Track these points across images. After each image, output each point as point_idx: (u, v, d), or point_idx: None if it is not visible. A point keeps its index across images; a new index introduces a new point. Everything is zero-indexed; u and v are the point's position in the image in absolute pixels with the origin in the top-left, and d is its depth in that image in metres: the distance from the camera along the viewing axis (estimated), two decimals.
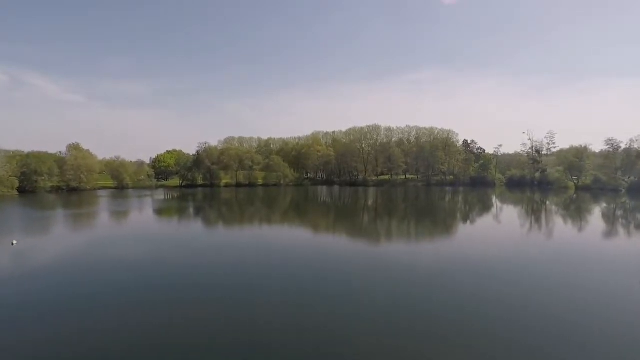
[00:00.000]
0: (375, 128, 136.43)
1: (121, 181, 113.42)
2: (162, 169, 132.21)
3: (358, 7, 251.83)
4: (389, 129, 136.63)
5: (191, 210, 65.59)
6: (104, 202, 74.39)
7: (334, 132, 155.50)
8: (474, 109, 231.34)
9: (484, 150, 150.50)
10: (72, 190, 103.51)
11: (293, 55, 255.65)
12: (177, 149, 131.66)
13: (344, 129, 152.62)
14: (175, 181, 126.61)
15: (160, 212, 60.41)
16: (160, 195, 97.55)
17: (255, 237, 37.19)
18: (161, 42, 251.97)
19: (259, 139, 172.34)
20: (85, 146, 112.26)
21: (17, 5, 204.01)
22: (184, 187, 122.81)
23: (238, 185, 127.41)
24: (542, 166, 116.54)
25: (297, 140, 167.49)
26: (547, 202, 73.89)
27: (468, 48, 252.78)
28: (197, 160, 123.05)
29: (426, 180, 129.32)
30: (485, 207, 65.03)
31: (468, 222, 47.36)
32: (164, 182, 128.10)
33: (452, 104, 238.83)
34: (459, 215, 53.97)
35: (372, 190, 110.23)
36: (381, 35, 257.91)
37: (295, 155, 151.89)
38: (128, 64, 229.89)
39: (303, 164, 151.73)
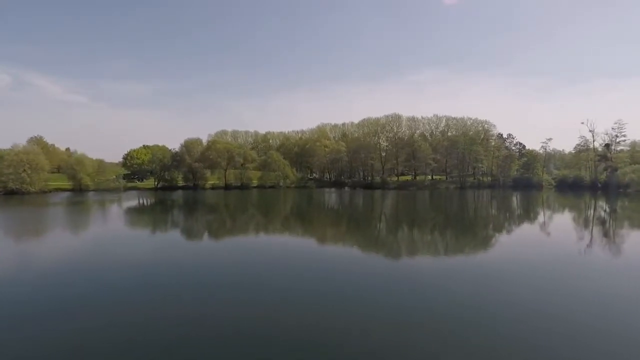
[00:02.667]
0: (396, 118, 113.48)
1: (78, 181, 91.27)
2: (135, 167, 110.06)
3: (358, 7, 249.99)
4: (412, 120, 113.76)
5: (147, 224, 42.88)
6: (17, 213, 52.24)
7: (343, 125, 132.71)
8: (477, 110, 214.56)
9: (524, 146, 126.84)
10: (10, 194, 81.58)
11: (294, 56, 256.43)
12: (160, 145, 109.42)
13: (355, 121, 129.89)
14: (150, 182, 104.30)
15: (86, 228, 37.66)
16: (126, 199, 76.04)
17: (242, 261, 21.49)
18: (162, 43, 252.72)
19: (256, 133, 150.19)
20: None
21: (18, 5, 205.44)
22: (161, 189, 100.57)
23: (227, 187, 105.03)
24: (612, 164, 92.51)
25: (300, 135, 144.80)
26: None
27: (470, 49, 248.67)
28: (176, 157, 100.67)
29: (459, 182, 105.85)
30: (580, 224, 41.57)
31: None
32: (136, 183, 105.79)
33: (454, 104, 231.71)
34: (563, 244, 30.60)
35: (394, 195, 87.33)
36: (382, 36, 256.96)
37: (298, 151, 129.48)
38: (129, 65, 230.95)
39: (307, 162, 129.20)
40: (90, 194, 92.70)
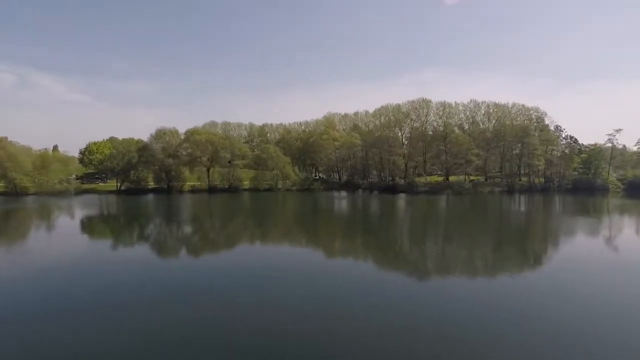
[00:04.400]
0: (423, 105, 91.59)
1: (12, 182, 69.84)
2: (95, 165, 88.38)
3: (359, 6, 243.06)
4: (443, 106, 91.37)
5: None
6: None
7: (355, 114, 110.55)
8: None
9: (575, 140, 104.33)
10: None
11: (296, 56, 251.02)
12: (129, 138, 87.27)
13: (371, 109, 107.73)
14: (112, 184, 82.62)
15: None
16: (63, 209, 55.42)
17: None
18: (165, 42, 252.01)
19: (251, 126, 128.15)
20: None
21: (22, 5, 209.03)
22: (124, 192, 79.05)
23: (211, 189, 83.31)
24: None
25: (303, 127, 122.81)
26: None
27: (473, 48, 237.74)
28: (145, 151, 79.08)
29: (506, 184, 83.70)
30: None
31: None
32: (95, 185, 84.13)
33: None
34: None
35: (429, 203, 65.78)
36: (383, 36, 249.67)
37: (301, 146, 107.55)
38: (132, 64, 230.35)
39: (312, 159, 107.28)
40: (30, 199, 71.62)
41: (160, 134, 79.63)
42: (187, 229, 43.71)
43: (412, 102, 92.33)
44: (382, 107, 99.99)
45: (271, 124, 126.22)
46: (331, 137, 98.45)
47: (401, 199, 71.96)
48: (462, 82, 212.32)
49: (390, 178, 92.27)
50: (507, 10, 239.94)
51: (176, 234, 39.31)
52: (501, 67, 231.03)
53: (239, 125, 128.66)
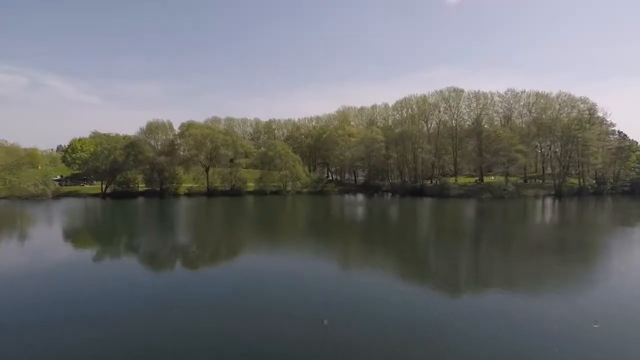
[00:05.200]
0: (454, 95, 79.66)
1: None
2: (78, 165, 77.95)
3: (366, 6, 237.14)
4: (477, 96, 79.33)
5: None
6: None
7: (373, 108, 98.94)
8: None
9: (625, 136, 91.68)
10: None
11: (303, 56, 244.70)
12: (113, 134, 76.46)
13: (390, 102, 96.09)
14: (98, 186, 72.08)
15: None
16: (31, 216, 45.16)
17: None
18: (171, 43, 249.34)
19: (257, 122, 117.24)
20: None
21: (30, 8, 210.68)
22: (110, 196, 68.63)
23: (210, 192, 72.53)
24: None
25: (313, 123, 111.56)
26: None
27: (479, 47, 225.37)
28: (133, 148, 68.48)
29: (554, 187, 71.72)
30: None
31: None
32: (79, 188, 73.68)
33: None
34: None
35: (480, 211, 54.39)
36: (390, 35, 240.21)
37: (311, 144, 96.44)
38: (139, 65, 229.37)
39: (324, 158, 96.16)
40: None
41: (151, 128, 69.00)
42: (176, 242, 33.38)
43: (441, 92, 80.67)
44: (404, 99, 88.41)
45: (279, 120, 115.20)
46: (347, 132, 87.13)
47: (434, 205, 60.38)
48: (476, 81, 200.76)
49: (414, 179, 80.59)
50: (517, 8, 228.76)
51: (162, 251, 28.82)
52: (514, 66, 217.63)
53: (244, 121, 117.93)
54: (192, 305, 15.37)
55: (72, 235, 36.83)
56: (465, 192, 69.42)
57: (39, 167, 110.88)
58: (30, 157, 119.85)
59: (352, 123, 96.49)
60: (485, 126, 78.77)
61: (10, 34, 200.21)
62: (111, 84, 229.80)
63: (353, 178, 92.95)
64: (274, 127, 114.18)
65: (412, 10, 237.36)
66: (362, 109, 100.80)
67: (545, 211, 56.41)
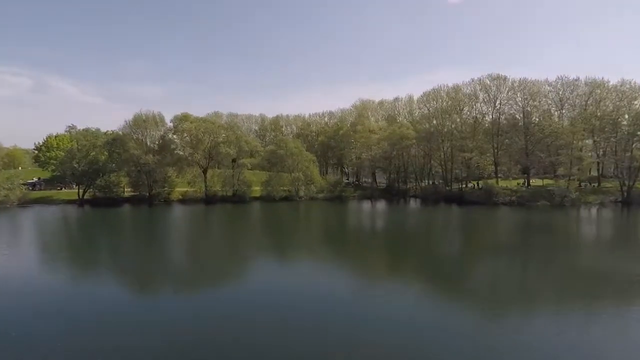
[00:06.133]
0: (496, 81, 67.66)
1: None
2: (53, 165, 66.41)
3: (369, 6, 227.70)
4: (523, 84, 67.25)
5: None
6: None
7: (397, 100, 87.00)
8: None
9: None
10: None
11: (307, 57, 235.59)
12: (94, 128, 64.35)
13: (415, 94, 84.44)
14: (76, 192, 60.64)
15: None
16: None
17: None
18: (174, 45, 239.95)
19: (262, 118, 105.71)
20: None
21: (35, 11, 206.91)
22: (90, 202, 57.35)
23: (209, 198, 61.03)
24: None
25: (326, 119, 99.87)
26: None
27: (481, 48, 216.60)
28: (115, 146, 56.99)
29: (621, 193, 59.74)
30: None
31: None
32: (50, 193, 62.12)
33: None
34: None
35: (536, 224, 42.58)
36: (392, 37, 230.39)
37: (324, 141, 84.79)
38: (143, 67, 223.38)
39: (339, 158, 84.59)
40: None
41: (138, 122, 57.40)
42: (168, 264, 25.27)
43: (479, 79, 68.78)
44: (433, 89, 76.38)
45: (287, 116, 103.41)
46: (366, 128, 75.38)
47: (483, 216, 48.54)
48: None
49: (449, 183, 68.65)
50: (522, 8, 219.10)
51: (149, 275, 20.56)
52: (519, 65, 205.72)
53: (249, 117, 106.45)
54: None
55: (26, 259, 26.18)
56: (517, 198, 57.45)
57: (19, 168, 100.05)
58: (9, 157, 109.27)
59: (370, 119, 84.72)
60: (535, 120, 66.92)
61: (14, 36, 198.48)
62: (114, 86, 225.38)
63: (370, 181, 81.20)
64: (281, 123, 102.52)
65: (418, 11, 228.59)
66: (381, 102, 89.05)
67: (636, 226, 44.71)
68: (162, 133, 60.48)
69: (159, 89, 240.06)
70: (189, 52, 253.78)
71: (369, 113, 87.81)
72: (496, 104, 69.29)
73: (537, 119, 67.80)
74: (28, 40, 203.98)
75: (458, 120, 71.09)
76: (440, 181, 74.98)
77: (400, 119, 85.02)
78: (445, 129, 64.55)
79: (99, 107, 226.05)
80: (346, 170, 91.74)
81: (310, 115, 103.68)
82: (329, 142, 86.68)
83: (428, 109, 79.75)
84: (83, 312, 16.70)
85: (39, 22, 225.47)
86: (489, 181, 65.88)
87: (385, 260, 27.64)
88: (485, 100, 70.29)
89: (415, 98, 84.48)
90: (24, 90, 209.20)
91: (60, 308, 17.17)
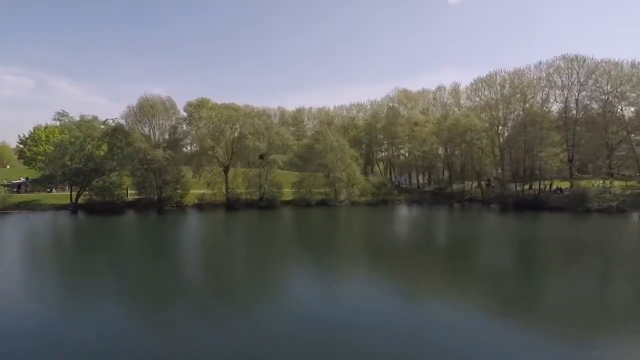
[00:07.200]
0: (575, 62, 56.34)
1: None
2: (42, 160, 55.03)
3: (369, 7, 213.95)
4: (607, 65, 55.88)
5: None
6: None
7: (440, 89, 75.55)
8: None
9: None
10: None
11: (307, 59, 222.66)
12: (89, 116, 52.65)
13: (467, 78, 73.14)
14: (67, 195, 49.33)
15: None
16: None
17: None
18: (178, 45, 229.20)
19: (282, 111, 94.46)
20: None
21: (35, 10, 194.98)
22: (84, 208, 46.28)
23: (230, 203, 49.73)
24: None
25: (354, 112, 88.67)
26: None
27: (483, 48, 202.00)
28: (117, 137, 45.80)
29: None
30: None
31: None
32: (37, 196, 50.76)
33: None
34: None
35: None
36: (394, 37, 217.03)
37: (357, 136, 73.70)
38: (145, 67, 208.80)
39: (366, 155, 73.61)
40: None
41: (144, 108, 46.03)
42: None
43: (553, 62, 57.47)
44: (487, 75, 65.26)
45: (310, 108, 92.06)
46: (411, 120, 64.13)
47: (603, 230, 37.13)
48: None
49: (527, 184, 57.34)
50: (519, 7, 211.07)
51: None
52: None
53: (264, 111, 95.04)
54: None
55: None
56: (618, 204, 45.95)
57: (7, 166, 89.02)
58: None
59: (412, 110, 73.41)
60: (619, 109, 55.62)
61: (14, 37, 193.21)
62: (117, 86, 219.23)
63: (417, 181, 69.98)
64: (302, 115, 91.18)
65: (419, 10, 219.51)
66: (423, 91, 77.50)
67: None
68: (173, 123, 49.25)
69: (162, 89, 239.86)
70: (190, 52, 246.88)
71: (410, 103, 76.43)
72: (573, 91, 58.10)
73: (622, 108, 56.55)
74: (26, 40, 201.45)
75: (524, 109, 59.68)
76: (494, 181, 63.89)
77: (445, 110, 73.80)
78: (536, 117, 53.04)
79: (103, 107, 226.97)
80: (379, 169, 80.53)
81: (335, 107, 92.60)
82: (361, 138, 75.67)
83: (480, 98, 68.73)
84: None
85: (38, 22, 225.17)
86: (581, 182, 54.30)
87: (474, 290, 17.23)
88: (559, 85, 59.10)
89: (462, 86, 73.38)
90: (25, 90, 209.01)
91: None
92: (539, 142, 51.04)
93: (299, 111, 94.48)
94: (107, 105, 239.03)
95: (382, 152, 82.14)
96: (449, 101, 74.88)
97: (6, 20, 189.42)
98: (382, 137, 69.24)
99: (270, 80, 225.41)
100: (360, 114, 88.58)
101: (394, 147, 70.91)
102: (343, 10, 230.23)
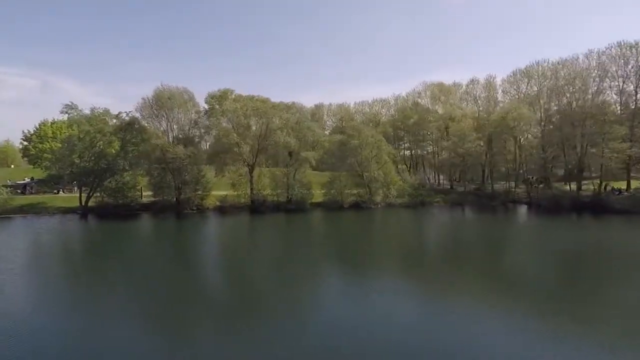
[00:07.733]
0: (634, 49, 50.83)
1: None
2: (49, 159, 50.34)
3: (374, 8, 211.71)
4: None
5: None
6: None
7: (474, 82, 70.01)
8: None
9: None
10: None
11: (314, 59, 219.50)
12: (100, 109, 47.98)
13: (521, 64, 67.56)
14: (76, 197, 44.56)
15: None
16: None
17: None
18: (181, 45, 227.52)
19: (300, 108, 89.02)
20: None
21: (39, 11, 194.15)
22: (94, 211, 41.49)
23: (255, 206, 44.80)
24: None
25: (376, 107, 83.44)
26: None
27: (484, 48, 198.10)
28: (131, 132, 41.04)
29: None
30: None
31: None
32: (44, 198, 46.05)
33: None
34: None
35: None
36: (398, 36, 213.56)
37: (386, 132, 68.43)
38: (150, 69, 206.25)
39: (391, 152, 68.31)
40: None
41: (161, 99, 41.17)
42: None
43: (609, 50, 51.94)
44: (527, 67, 59.85)
45: (329, 104, 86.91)
46: (447, 115, 58.86)
47: None
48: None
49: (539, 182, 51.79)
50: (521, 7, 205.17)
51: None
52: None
53: (278, 105, 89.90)
54: None
55: None
56: None
57: (12, 166, 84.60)
58: (2, 153, 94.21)
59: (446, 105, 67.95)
60: None
61: (18, 38, 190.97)
62: (124, 86, 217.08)
63: (449, 181, 64.71)
64: (321, 111, 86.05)
65: (415, 9, 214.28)
66: (455, 85, 71.91)
67: None
68: (193, 116, 44.31)
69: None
70: (190, 54, 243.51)
71: (444, 97, 70.96)
72: (630, 80, 52.54)
73: None
74: (30, 41, 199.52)
75: (577, 100, 54.13)
76: (536, 180, 58.40)
77: (479, 104, 68.35)
78: (599, 108, 47.58)
79: (109, 106, 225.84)
80: (407, 167, 75.28)
81: (355, 104, 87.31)
82: (388, 134, 70.39)
83: (518, 90, 63.45)
84: None
85: (41, 24, 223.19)
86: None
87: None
88: (614, 75, 53.62)
89: (499, 79, 67.79)
90: (30, 91, 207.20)
91: None
92: (601, 137, 45.46)
93: (318, 107, 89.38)
94: (114, 105, 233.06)
95: (404, 150, 76.91)
96: (482, 95, 69.47)
97: (10, 21, 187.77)
98: (402, 134, 64.11)
99: (268, 79, 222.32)
100: (383, 110, 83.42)
101: (423, 144, 65.70)
102: (341, 10, 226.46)
